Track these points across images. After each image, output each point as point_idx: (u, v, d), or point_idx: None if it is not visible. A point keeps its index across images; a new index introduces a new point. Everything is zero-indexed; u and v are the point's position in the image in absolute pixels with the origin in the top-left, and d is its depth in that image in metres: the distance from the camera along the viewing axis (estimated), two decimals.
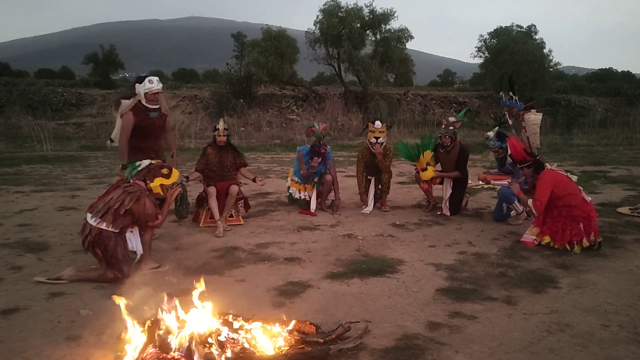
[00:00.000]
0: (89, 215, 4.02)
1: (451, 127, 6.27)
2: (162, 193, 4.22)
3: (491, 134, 6.14)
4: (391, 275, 4.24)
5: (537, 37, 27.48)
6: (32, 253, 4.81)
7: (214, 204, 5.63)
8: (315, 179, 6.54)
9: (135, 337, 2.80)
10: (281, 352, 2.86)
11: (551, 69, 26.14)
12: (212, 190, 5.65)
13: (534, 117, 5.32)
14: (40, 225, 5.85)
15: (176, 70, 46.05)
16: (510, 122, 5.70)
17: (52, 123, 19.46)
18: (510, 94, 5.53)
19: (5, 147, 14.78)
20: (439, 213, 6.44)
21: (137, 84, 4.86)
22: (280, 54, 22.24)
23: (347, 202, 7.16)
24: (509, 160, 5.97)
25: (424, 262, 4.59)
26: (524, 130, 5.34)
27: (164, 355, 2.75)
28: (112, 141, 5.76)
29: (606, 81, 32.84)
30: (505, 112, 5.73)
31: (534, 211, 5.03)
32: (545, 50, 25.75)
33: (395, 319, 3.41)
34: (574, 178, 5.15)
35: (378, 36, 23.38)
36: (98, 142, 16.72)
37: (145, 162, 4.27)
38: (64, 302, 3.66)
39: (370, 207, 6.63)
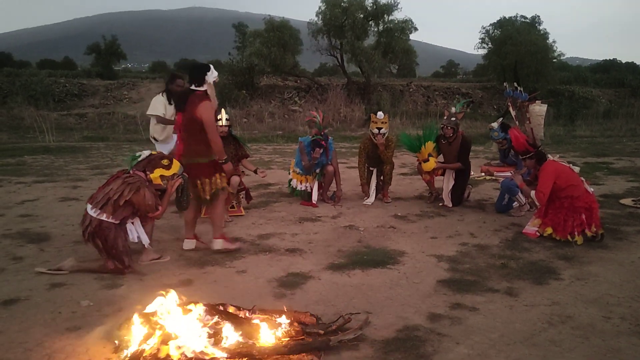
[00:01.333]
0: (89, 207, 4.02)
1: (453, 118, 6.23)
2: (162, 184, 4.20)
3: (495, 125, 6.09)
4: (392, 267, 4.23)
5: (541, 27, 27.28)
6: (34, 244, 4.81)
7: None
8: (317, 170, 6.52)
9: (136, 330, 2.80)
10: (281, 343, 2.85)
11: (555, 60, 25.98)
12: None
13: (539, 109, 5.27)
14: (42, 216, 5.86)
15: (178, 60, 45.97)
16: (513, 113, 5.65)
17: (55, 114, 19.46)
18: (515, 84, 5.47)
19: (7, 138, 14.79)
20: (440, 204, 6.42)
21: (207, 73, 4.36)
22: (283, 44, 22.16)
23: (349, 193, 7.14)
24: (513, 151, 5.93)
25: (426, 254, 4.57)
26: (528, 122, 5.29)
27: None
28: (156, 140, 6.20)
29: (610, 72, 32.61)
30: (509, 103, 5.68)
31: (536, 202, 5.00)
32: (549, 41, 25.59)
33: (396, 310, 3.40)
34: (576, 169, 5.11)
35: (381, 27, 23.25)
36: (100, 132, 16.74)
37: (145, 153, 4.25)
38: (64, 293, 3.67)
39: (372, 198, 6.61)
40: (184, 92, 4.51)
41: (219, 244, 4.59)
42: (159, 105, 6.02)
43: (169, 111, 5.99)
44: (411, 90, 25.30)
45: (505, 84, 5.92)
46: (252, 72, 22.86)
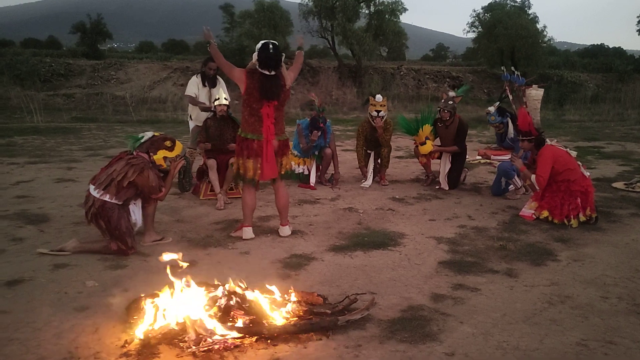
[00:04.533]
0: (91, 187, 3.99)
1: (450, 102, 6.25)
2: (164, 165, 4.19)
3: (492, 109, 6.13)
4: (393, 248, 4.29)
5: (530, 12, 27.33)
6: (33, 225, 4.78)
7: (214, 176, 5.62)
8: (315, 153, 6.53)
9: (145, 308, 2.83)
10: (290, 322, 2.90)
11: (544, 45, 26.09)
12: (213, 163, 5.63)
13: (535, 93, 5.32)
14: (39, 197, 5.81)
15: (166, 41, 45.25)
16: (510, 97, 5.69)
17: (42, 94, 19.13)
18: (512, 68, 5.50)
19: None
20: (437, 187, 6.48)
21: (283, 56, 4.30)
22: (274, 25, 22.00)
23: (346, 176, 7.17)
24: (510, 135, 5.99)
25: (425, 236, 4.63)
26: (524, 106, 5.33)
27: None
28: (191, 118, 6.64)
29: (598, 57, 32.85)
30: (506, 87, 5.71)
31: (536, 186, 5.07)
32: (539, 26, 25.67)
33: (400, 290, 3.45)
34: (573, 154, 5.19)
35: (372, 9, 23.11)
36: (89, 113, 16.51)
37: (149, 134, 4.23)
38: (69, 274, 3.67)
39: (369, 181, 6.65)
40: (268, 81, 4.20)
41: (287, 230, 4.63)
42: (192, 87, 6.35)
43: (202, 92, 6.30)
44: (402, 73, 25.27)
45: (502, 67, 5.94)
46: (243, 54, 22.62)
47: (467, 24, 27.43)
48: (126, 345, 2.69)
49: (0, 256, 3.99)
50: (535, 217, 5.07)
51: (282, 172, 4.50)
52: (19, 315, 3.04)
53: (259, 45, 4.18)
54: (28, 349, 2.67)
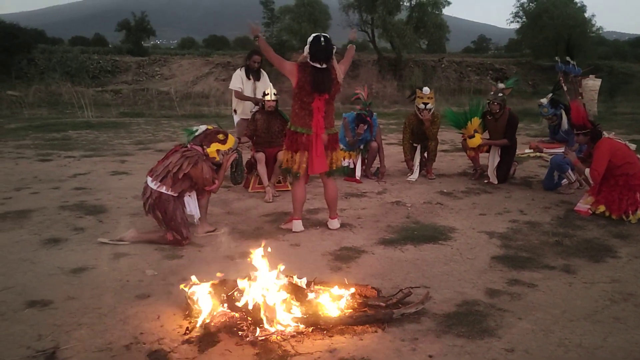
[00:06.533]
0: (149, 179, 4.12)
1: (500, 94, 6.12)
2: (218, 158, 4.28)
3: (544, 101, 5.95)
4: (444, 243, 4.24)
5: (577, 0, 26.35)
6: (92, 215, 4.96)
7: (262, 170, 5.70)
8: (361, 146, 6.52)
9: (204, 297, 2.90)
10: (346, 314, 2.92)
11: (593, 34, 25.14)
12: (261, 156, 5.71)
13: (592, 83, 5.17)
14: (95, 188, 6.02)
15: (207, 37, 46.07)
16: (565, 88, 5.51)
17: (91, 90, 19.82)
18: (567, 58, 5.33)
19: (48, 114, 15.17)
20: (486, 181, 6.36)
21: (334, 48, 4.29)
22: (314, 20, 22.04)
23: (391, 169, 7.13)
24: (564, 127, 5.81)
25: (476, 230, 4.56)
26: (580, 97, 5.16)
27: (232, 314, 2.86)
28: (236, 112, 6.69)
29: None
30: (561, 78, 5.54)
31: (590, 181, 4.91)
32: (587, 15, 24.74)
33: (454, 285, 3.42)
34: (632, 147, 5.00)
35: (413, 1, 22.83)
36: (135, 109, 17.00)
37: (202, 128, 4.33)
38: (129, 262, 3.80)
39: (415, 174, 6.59)
40: (320, 74, 4.21)
41: (336, 223, 4.62)
42: (236, 80, 6.42)
43: (247, 86, 6.36)
44: (443, 65, 24.85)
45: (556, 57, 5.76)
46: (283, 48, 22.79)
47: (510, 14, 26.71)
48: (188, 332, 2.77)
49: (65, 244, 4.17)
50: (591, 212, 4.91)
51: (333, 168, 4.48)
52: (86, 301, 3.17)
53: (310, 38, 4.19)
54: (96, 334, 2.78)
